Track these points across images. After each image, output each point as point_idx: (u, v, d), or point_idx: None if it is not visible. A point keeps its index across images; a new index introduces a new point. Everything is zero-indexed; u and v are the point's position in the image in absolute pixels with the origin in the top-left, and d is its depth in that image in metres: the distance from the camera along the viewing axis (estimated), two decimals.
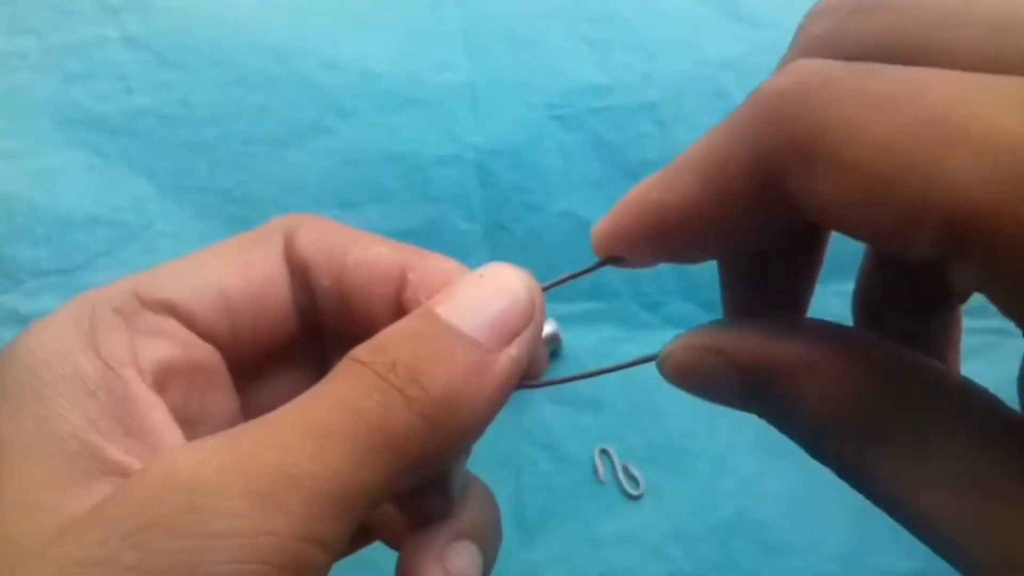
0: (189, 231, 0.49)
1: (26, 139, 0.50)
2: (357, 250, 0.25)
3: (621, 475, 0.44)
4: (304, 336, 0.26)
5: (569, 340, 0.47)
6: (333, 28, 0.52)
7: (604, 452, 0.45)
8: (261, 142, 0.50)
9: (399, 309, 0.24)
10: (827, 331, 0.20)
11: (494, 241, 0.49)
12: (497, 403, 0.22)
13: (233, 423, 0.22)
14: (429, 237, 0.48)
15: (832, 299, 0.49)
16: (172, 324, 0.23)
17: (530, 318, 0.22)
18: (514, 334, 0.22)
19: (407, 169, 0.50)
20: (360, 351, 0.21)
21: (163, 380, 0.22)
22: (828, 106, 0.16)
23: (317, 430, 0.19)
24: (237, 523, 0.18)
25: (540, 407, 0.46)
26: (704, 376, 0.20)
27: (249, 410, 0.25)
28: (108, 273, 0.48)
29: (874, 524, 0.43)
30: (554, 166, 0.50)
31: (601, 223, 0.22)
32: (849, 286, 0.51)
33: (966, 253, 0.15)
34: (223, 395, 0.24)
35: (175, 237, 0.49)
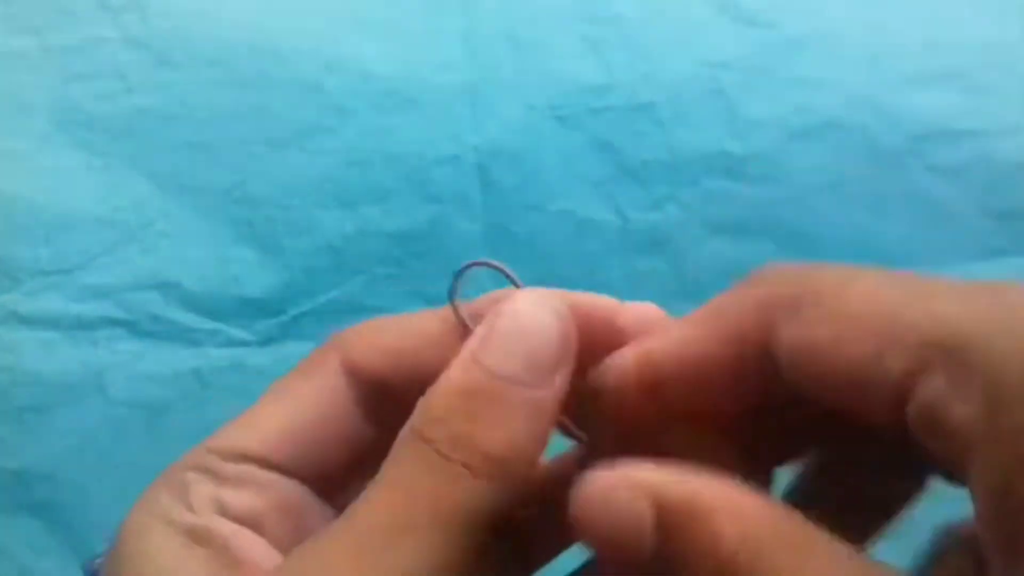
0: (189, 231, 0.49)
1: (26, 139, 0.50)
2: (425, 349, 0.25)
3: None
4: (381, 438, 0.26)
5: None
6: (333, 29, 0.52)
7: None
8: (261, 142, 0.50)
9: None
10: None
11: (494, 241, 0.49)
12: (548, 436, 0.22)
13: None
14: (429, 237, 0.48)
15: None
16: (252, 470, 0.24)
17: (567, 342, 0.23)
18: (557, 364, 0.22)
19: (407, 169, 0.50)
20: (419, 422, 0.21)
21: (258, 522, 0.24)
22: (813, 273, 0.20)
23: (389, 528, 0.20)
24: None
25: None
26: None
27: None
28: (108, 273, 0.48)
29: None
30: (554, 166, 0.50)
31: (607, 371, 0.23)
32: None
33: (932, 369, 0.17)
34: (320, 519, 0.26)
35: (175, 237, 0.49)
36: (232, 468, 0.24)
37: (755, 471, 0.22)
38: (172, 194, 0.49)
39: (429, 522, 0.20)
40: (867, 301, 0.19)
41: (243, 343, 0.48)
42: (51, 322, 0.47)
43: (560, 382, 0.22)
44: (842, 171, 0.51)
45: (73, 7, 0.52)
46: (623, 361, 0.23)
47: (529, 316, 0.23)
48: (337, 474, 0.26)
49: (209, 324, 0.48)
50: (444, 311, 0.25)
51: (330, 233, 0.49)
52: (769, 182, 0.50)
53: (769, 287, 0.21)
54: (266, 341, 0.49)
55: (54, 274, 0.48)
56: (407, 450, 0.21)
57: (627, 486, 0.19)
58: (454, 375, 0.22)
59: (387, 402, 0.25)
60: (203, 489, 0.24)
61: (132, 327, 0.48)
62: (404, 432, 0.22)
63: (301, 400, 0.25)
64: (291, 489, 0.25)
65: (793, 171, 0.50)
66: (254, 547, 0.23)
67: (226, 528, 0.23)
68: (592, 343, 0.23)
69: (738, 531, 0.17)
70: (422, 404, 0.22)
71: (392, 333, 0.26)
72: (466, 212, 0.49)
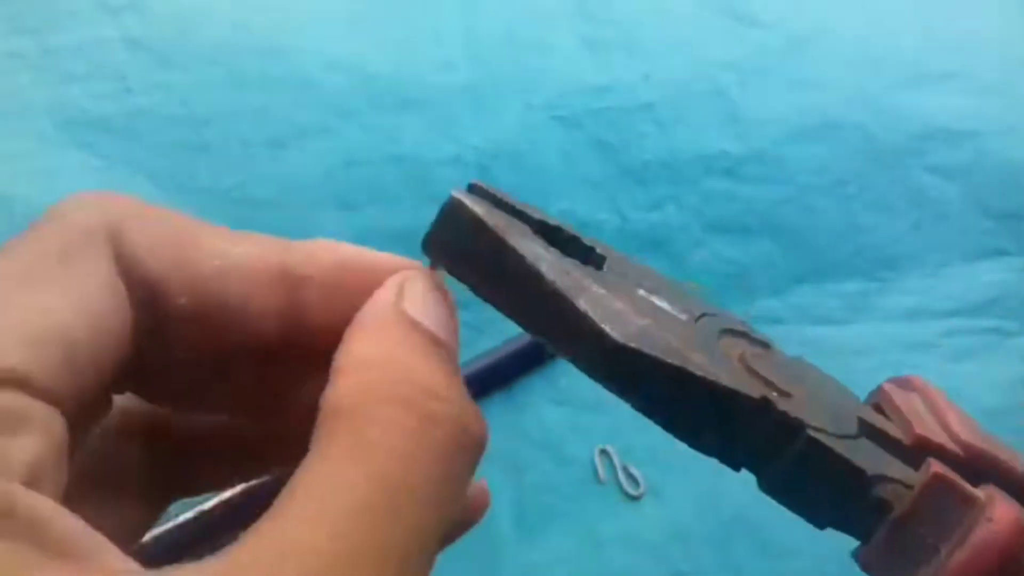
0: None
1: (26, 140, 0.50)
2: (213, 252, 0.20)
3: (621, 475, 0.44)
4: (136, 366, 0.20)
5: None
6: (333, 29, 0.52)
7: (604, 452, 0.45)
8: (261, 143, 0.50)
9: (291, 316, 0.21)
10: None
11: None
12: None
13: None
14: None
15: (831, 299, 0.50)
16: (23, 401, 0.17)
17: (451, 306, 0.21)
18: (453, 327, 0.20)
19: (407, 170, 0.50)
20: (355, 393, 0.18)
21: (36, 478, 0.16)
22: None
23: (373, 509, 0.16)
24: None
25: (540, 407, 0.46)
26: None
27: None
28: None
29: None
30: (554, 166, 0.50)
31: None
32: (847, 286, 0.51)
33: None
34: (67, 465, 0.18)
35: None
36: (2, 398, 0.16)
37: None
38: (172, 194, 0.49)
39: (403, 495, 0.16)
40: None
41: None
42: None
43: (455, 347, 0.20)
44: (842, 171, 0.51)
45: (73, 8, 0.52)
46: None
47: (425, 277, 0.20)
48: (92, 402, 0.19)
49: None
50: (269, 244, 0.21)
51: (330, 233, 0.48)
52: (769, 182, 0.50)
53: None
54: None
55: None
56: (349, 426, 0.17)
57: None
58: (382, 326, 0.19)
59: (170, 331, 0.20)
60: None
61: None
62: (328, 410, 0.17)
63: (64, 294, 0.18)
64: (55, 423, 0.17)
65: (793, 171, 0.51)
66: (65, 521, 0.16)
67: (26, 498, 0.15)
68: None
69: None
70: (348, 370, 0.18)
71: (186, 240, 0.20)
72: None
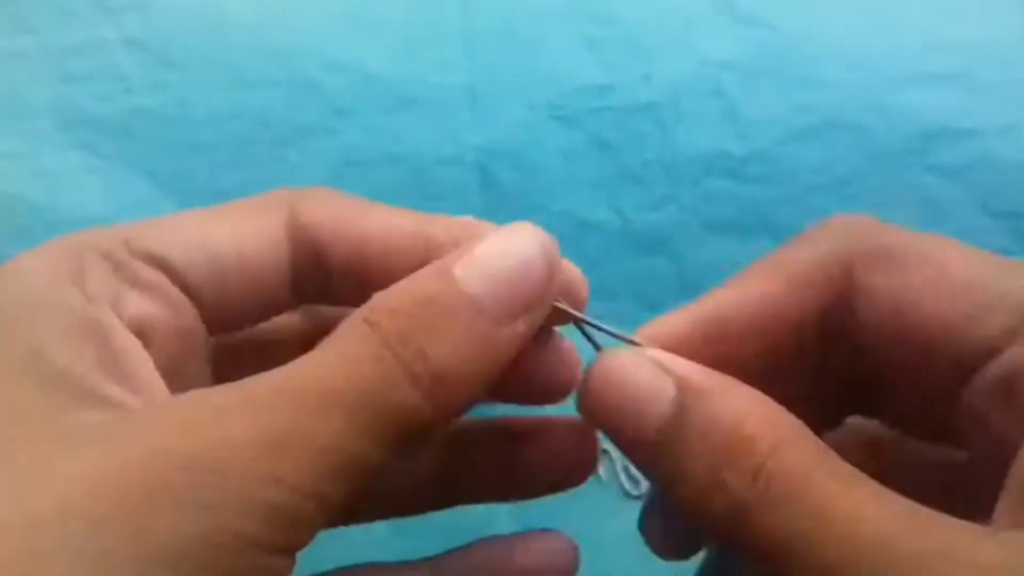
0: None
1: (26, 140, 0.50)
2: (373, 220, 0.24)
3: (621, 475, 0.44)
4: (291, 313, 0.25)
5: (569, 338, 0.47)
6: (333, 29, 0.52)
7: (604, 452, 0.45)
8: (261, 143, 0.50)
9: None
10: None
11: None
12: (493, 380, 0.22)
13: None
14: None
15: None
16: (161, 279, 0.22)
17: (544, 289, 0.22)
18: (527, 305, 0.21)
19: (407, 170, 0.50)
20: (372, 311, 0.21)
21: (145, 334, 0.22)
22: (889, 230, 0.22)
23: (325, 393, 0.19)
24: (257, 469, 0.18)
25: (540, 407, 0.46)
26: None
27: (221, 380, 0.25)
28: None
29: None
30: (554, 166, 0.50)
31: (656, 325, 0.23)
32: None
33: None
34: (198, 361, 0.24)
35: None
36: (142, 270, 0.22)
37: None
38: (173, 195, 0.49)
39: (356, 406, 0.19)
40: (962, 264, 0.20)
41: None
42: None
43: (523, 329, 0.21)
44: (842, 171, 0.51)
45: (73, 7, 0.52)
46: (675, 322, 0.22)
47: (517, 249, 0.22)
48: (236, 326, 0.24)
49: None
50: (417, 217, 0.25)
51: None
52: (769, 182, 0.50)
53: (845, 238, 0.22)
54: None
55: None
56: (355, 332, 0.20)
57: (652, 363, 0.19)
58: (421, 277, 0.21)
59: (316, 279, 0.24)
60: (104, 279, 0.21)
61: None
62: (356, 314, 0.21)
63: (238, 233, 0.24)
64: (189, 317, 0.23)
65: (793, 171, 0.51)
66: (138, 357, 0.21)
67: (118, 329, 0.21)
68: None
69: (772, 437, 0.18)
70: (381, 296, 0.21)
71: (351, 212, 0.24)
72: (466, 212, 0.49)
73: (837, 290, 0.21)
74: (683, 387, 0.19)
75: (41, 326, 0.20)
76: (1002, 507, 0.17)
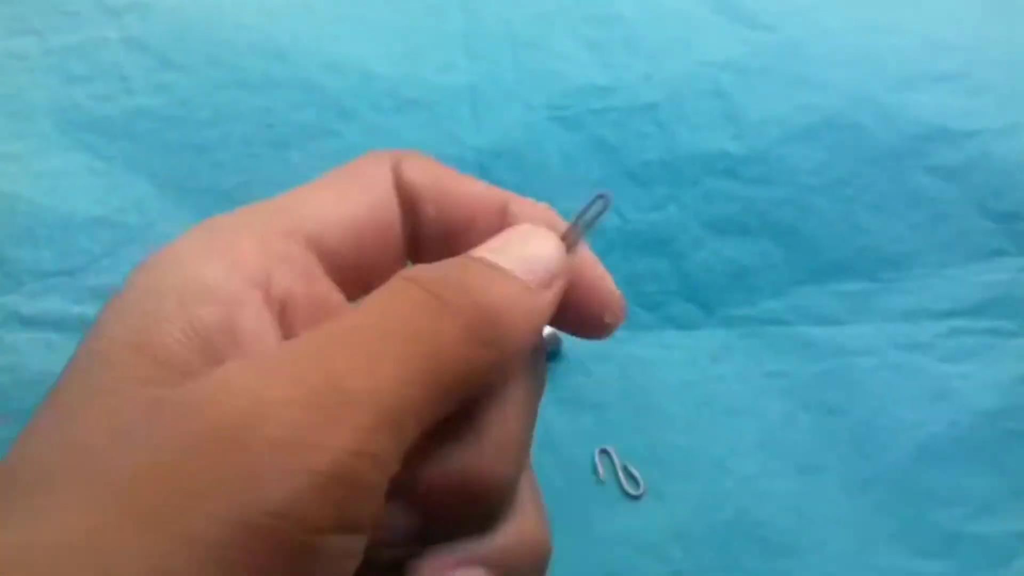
0: None
1: (27, 141, 0.50)
2: (462, 183, 0.26)
3: (621, 475, 0.44)
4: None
5: (569, 340, 0.47)
6: (334, 30, 0.53)
7: (604, 452, 0.45)
8: (262, 143, 0.50)
9: None
10: None
11: None
12: (536, 331, 0.23)
13: None
14: None
15: (831, 299, 0.50)
16: (309, 257, 0.23)
17: (563, 269, 0.24)
18: (553, 279, 0.23)
19: None
20: (411, 271, 0.22)
21: (288, 311, 0.22)
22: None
23: (366, 345, 0.19)
24: (294, 433, 0.17)
25: (540, 407, 0.46)
26: None
27: None
28: (110, 274, 0.48)
29: (874, 524, 0.43)
30: (555, 167, 0.50)
31: None
32: (848, 286, 0.51)
33: None
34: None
35: (176, 238, 0.49)
36: (291, 247, 0.23)
37: None
38: (173, 195, 0.49)
39: (396, 346, 0.19)
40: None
41: None
42: (53, 323, 0.47)
43: (552, 297, 0.23)
44: (842, 171, 0.51)
45: (74, 8, 0.52)
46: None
47: (537, 240, 0.24)
48: (368, 285, 0.24)
49: None
50: (504, 193, 0.26)
51: None
52: (769, 182, 0.50)
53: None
54: None
55: (56, 275, 0.48)
56: (390, 285, 0.21)
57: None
58: (458, 258, 0.23)
59: (422, 239, 0.26)
60: (253, 258, 0.22)
61: None
62: (393, 278, 0.22)
63: (362, 196, 0.25)
64: (327, 291, 0.24)
65: (793, 171, 0.51)
66: (269, 335, 0.21)
67: (257, 306, 0.21)
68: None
69: None
70: (419, 266, 0.22)
71: (447, 176, 0.26)
72: None
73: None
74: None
75: (166, 300, 0.21)
76: None
